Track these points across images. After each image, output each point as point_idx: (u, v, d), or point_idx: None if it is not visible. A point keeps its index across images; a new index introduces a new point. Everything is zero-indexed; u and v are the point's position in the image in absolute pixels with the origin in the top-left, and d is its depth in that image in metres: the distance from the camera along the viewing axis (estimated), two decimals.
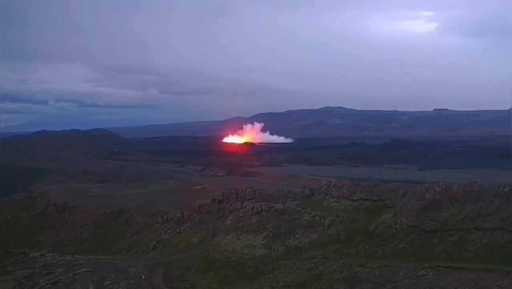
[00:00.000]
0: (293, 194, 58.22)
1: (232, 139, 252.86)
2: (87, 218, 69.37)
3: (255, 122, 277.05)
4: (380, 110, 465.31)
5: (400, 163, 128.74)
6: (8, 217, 79.15)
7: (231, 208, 55.74)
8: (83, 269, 36.86)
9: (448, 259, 32.04)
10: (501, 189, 40.11)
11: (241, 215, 52.31)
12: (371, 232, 42.54)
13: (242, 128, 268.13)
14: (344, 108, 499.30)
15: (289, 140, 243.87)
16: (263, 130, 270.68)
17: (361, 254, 37.99)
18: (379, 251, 38.28)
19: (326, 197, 54.42)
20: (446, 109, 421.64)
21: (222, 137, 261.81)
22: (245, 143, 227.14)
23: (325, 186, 57.08)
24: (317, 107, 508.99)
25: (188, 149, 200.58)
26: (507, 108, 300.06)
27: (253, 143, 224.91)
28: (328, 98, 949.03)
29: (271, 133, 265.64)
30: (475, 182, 46.62)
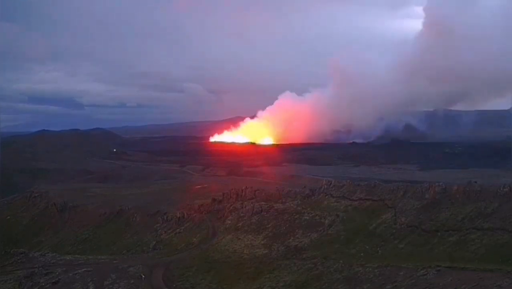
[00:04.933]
0: (293, 194, 58.20)
1: (223, 138, 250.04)
2: (87, 218, 69.33)
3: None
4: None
5: (400, 163, 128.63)
6: (8, 217, 79.09)
7: (231, 208, 55.74)
8: (83, 269, 36.91)
9: (448, 259, 32.11)
10: (501, 189, 40.18)
11: (241, 215, 52.37)
12: (371, 232, 42.60)
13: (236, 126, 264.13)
14: None
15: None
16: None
17: (361, 254, 38.04)
18: (379, 251, 38.33)
19: (326, 196, 54.46)
20: (446, 109, 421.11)
21: (209, 137, 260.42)
22: (250, 143, 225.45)
23: (325, 186, 57.10)
24: None
25: (188, 148, 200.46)
26: (507, 108, 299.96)
27: (254, 143, 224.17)
28: None
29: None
30: (475, 182, 46.74)
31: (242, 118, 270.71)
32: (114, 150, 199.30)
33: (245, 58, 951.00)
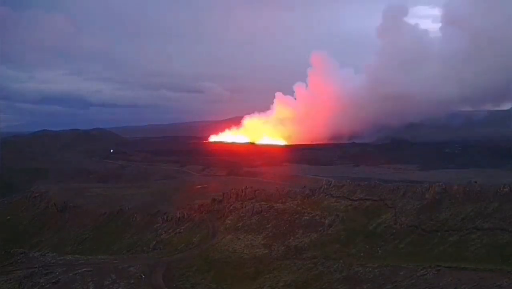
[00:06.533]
0: (293, 194, 58.23)
1: (223, 138, 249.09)
2: (87, 218, 69.35)
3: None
4: None
5: (400, 163, 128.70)
6: (8, 217, 79.11)
7: (231, 207, 55.76)
8: (83, 269, 36.88)
9: (448, 259, 32.13)
10: (501, 189, 40.23)
11: (241, 214, 52.38)
12: (371, 232, 42.65)
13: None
14: None
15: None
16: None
17: (361, 254, 38.07)
18: (379, 251, 38.36)
19: (326, 196, 54.47)
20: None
21: (206, 137, 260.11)
22: (250, 143, 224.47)
23: (325, 186, 57.11)
24: None
25: (188, 148, 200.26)
26: (507, 108, 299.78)
27: (254, 143, 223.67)
28: None
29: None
30: (475, 182, 46.75)
31: (242, 118, 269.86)
32: (112, 150, 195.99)
33: (257, 57, 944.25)
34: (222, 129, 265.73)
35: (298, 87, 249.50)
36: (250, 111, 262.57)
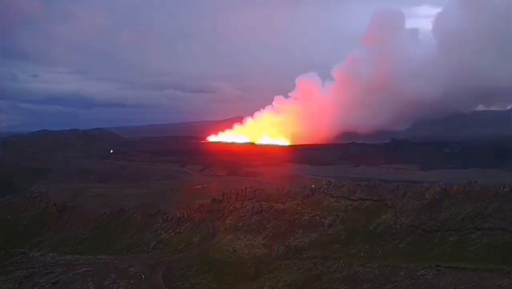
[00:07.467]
0: (293, 194, 58.24)
1: (223, 138, 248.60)
2: (87, 218, 69.37)
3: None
4: None
5: (400, 163, 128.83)
6: (8, 217, 79.14)
7: (231, 208, 55.78)
8: (83, 269, 36.91)
9: (448, 259, 32.14)
10: (501, 189, 40.28)
11: (241, 214, 52.40)
12: (371, 232, 42.65)
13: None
14: None
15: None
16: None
17: (361, 254, 38.08)
18: (379, 251, 38.36)
19: (326, 196, 54.48)
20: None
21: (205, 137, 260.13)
22: (250, 143, 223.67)
23: (325, 186, 57.11)
24: None
25: (188, 148, 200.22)
26: (507, 108, 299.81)
27: (254, 143, 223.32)
28: None
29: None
30: (475, 182, 46.79)
31: (242, 118, 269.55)
32: (111, 151, 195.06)
33: (265, 56, 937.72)
34: (222, 129, 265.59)
35: (352, 57, 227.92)
36: (255, 110, 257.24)
